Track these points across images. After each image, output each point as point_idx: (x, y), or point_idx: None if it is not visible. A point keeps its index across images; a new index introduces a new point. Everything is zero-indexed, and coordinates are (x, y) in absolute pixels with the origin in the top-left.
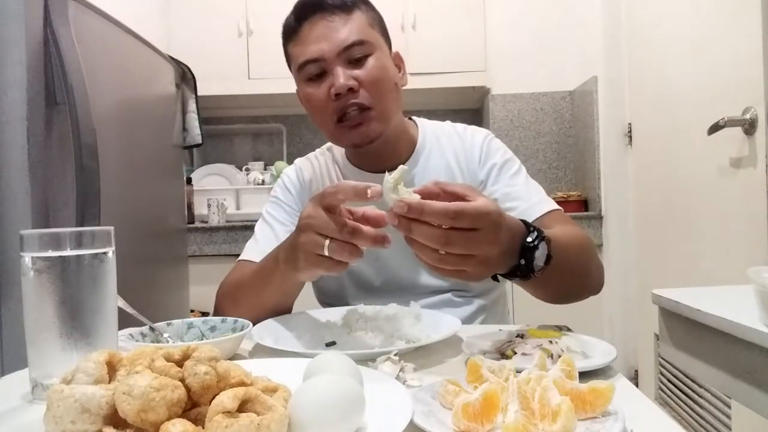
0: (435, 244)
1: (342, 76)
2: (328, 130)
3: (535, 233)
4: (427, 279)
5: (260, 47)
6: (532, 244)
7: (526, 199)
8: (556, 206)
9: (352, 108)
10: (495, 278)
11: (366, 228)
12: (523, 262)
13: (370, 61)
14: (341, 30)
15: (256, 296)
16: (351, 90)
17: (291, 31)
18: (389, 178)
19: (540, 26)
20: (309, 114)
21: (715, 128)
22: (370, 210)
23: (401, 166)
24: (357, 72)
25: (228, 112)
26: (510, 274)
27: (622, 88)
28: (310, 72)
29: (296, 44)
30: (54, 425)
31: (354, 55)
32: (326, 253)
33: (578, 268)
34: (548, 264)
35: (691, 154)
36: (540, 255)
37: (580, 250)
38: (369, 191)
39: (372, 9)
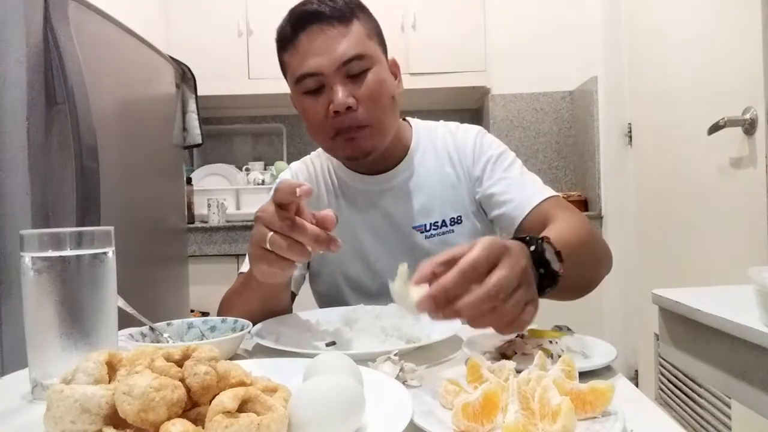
0: (487, 300)
1: (341, 94)
2: (324, 143)
3: (527, 237)
4: None
5: (260, 47)
6: (536, 243)
7: (522, 189)
8: (553, 193)
9: (350, 127)
10: None
11: (308, 225)
12: (542, 271)
13: (369, 77)
14: (340, 43)
15: (243, 304)
16: (349, 108)
17: (287, 40)
18: (395, 287)
19: (540, 26)
20: (305, 122)
21: (715, 128)
22: (323, 212)
23: (399, 267)
24: (356, 89)
25: (228, 112)
26: (540, 290)
27: (622, 88)
28: (309, 86)
29: (293, 55)
30: (54, 425)
31: (353, 69)
32: (268, 246)
33: (589, 255)
34: (561, 260)
35: (691, 154)
36: (550, 254)
37: (584, 236)
38: (297, 190)
39: (369, 18)
